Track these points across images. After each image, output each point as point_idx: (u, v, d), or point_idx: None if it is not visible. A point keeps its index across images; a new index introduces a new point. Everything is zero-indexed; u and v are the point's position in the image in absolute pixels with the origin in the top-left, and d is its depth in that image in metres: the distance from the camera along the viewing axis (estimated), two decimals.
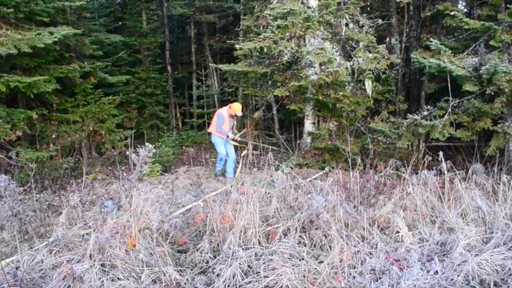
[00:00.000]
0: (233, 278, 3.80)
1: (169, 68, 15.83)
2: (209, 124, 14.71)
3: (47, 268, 4.10)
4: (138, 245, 4.29)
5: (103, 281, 3.81)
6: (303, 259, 4.07)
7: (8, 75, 7.86)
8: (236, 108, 8.64)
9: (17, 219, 5.18)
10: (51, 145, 9.34)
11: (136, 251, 4.20)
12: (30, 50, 7.76)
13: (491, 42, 7.81)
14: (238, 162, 8.89)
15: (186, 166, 10.14)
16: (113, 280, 3.85)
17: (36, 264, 4.17)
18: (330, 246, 4.27)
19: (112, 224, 4.58)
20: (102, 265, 4.02)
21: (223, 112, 8.65)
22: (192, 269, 4.13)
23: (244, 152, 9.03)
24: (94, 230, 4.53)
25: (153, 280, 3.89)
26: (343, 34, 9.57)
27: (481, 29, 7.94)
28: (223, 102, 16.19)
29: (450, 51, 7.82)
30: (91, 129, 10.21)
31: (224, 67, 10.43)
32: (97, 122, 10.44)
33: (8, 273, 3.92)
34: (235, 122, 9.02)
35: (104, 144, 10.67)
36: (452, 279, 3.78)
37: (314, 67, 9.39)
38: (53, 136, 9.51)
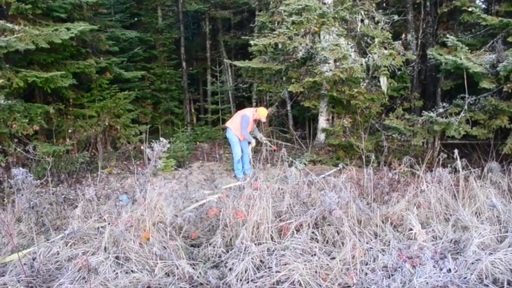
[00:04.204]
0: (245, 272, 3.83)
1: (184, 63, 15.91)
2: (224, 120, 14.85)
3: (62, 260, 4.18)
4: (152, 238, 4.33)
5: (117, 273, 3.87)
6: (315, 255, 4.07)
7: (25, 71, 7.98)
8: (262, 113, 8.32)
9: (34, 212, 5.28)
10: (68, 139, 9.47)
11: (150, 245, 4.25)
12: (47, 46, 7.87)
13: (509, 39, 7.70)
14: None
15: (200, 161, 10.20)
16: (127, 272, 3.91)
17: (52, 255, 4.25)
18: (343, 243, 4.26)
19: (126, 218, 4.64)
20: (117, 258, 4.08)
21: (249, 115, 8.29)
22: (204, 263, 4.17)
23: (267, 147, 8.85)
24: (109, 223, 4.59)
25: (166, 273, 3.94)
26: (358, 30, 9.52)
27: (499, 26, 7.83)
28: (238, 98, 16.24)
29: (467, 47, 7.72)
30: (106, 124, 10.31)
31: (239, 63, 10.44)
32: (112, 117, 10.54)
33: (24, 264, 4.00)
34: (255, 126, 8.68)
35: (119, 139, 10.77)
36: (465, 278, 3.75)
37: (329, 63, 9.35)
38: (69, 130, 9.63)
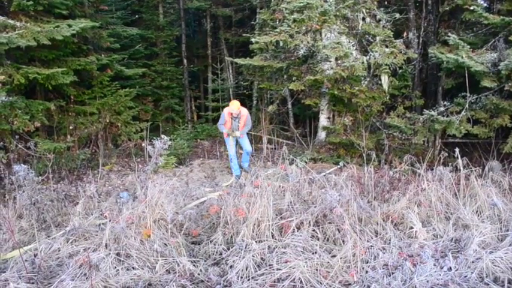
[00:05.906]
0: (246, 269, 3.84)
1: (185, 61, 15.90)
2: None
3: (63, 256, 4.19)
4: (152, 235, 4.34)
5: (118, 269, 3.88)
6: (315, 253, 4.08)
7: (27, 67, 7.99)
8: (231, 104, 8.21)
9: (35, 208, 5.29)
10: (69, 136, 9.46)
11: (151, 242, 4.25)
12: (48, 42, 7.86)
13: (511, 38, 7.69)
14: (252, 156, 8.87)
15: (201, 159, 10.20)
16: (127, 269, 3.92)
17: (53, 252, 4.27)
18: (343, 241, 4.27)
19: (127, 215, 4.65)
20: (118, 254, 4.08)
21: (224, 111, 8.22)
22: (205, 260, 4.18)
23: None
24: (110, 220, 4.59)
25: (167, 270, 3.94)
26: (359, 28, 9.49)
27: (500, 24, 7.82)
28: (239, 96, 16.22)
29: (469, 46, 7.72)
30: (107, 121, 10.29)
31: (240, 61, 10.43)
32: (113, 114, 10.52)
33: (26, 260, 4.01)
34: (238, 124, 8.24)
35: (120, 136, 10.76)
36: (466, 276, 3.76)
37: (330, 61, 9.34)
38: (70, 127, 9.61)
